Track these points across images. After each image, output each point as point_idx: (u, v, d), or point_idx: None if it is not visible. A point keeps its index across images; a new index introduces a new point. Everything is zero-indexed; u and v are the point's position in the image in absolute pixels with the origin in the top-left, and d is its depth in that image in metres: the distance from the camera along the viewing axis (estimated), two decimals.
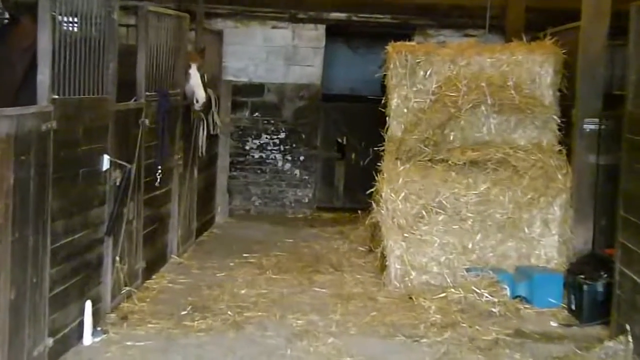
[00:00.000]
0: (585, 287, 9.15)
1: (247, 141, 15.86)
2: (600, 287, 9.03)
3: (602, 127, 10.02)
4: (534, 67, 11.00)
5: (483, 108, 10.88)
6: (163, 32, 10.54)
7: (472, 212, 10.39)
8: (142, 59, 9.65)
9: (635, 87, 8.49)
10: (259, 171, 15.94)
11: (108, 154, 8.11)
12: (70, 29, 7.41)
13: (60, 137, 6.88)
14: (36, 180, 6.45)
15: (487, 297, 9.80)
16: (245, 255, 11.80)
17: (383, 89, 12.75)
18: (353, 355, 7.82)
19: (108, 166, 8.11)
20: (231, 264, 11.26)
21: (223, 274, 10.68)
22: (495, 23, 15.02)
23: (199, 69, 11.74)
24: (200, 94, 11.58)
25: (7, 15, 8.07)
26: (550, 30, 12.16)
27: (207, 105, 11.68)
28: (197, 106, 11.68)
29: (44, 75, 6.75)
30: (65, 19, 7.25)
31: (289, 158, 15.97)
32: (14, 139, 6.02)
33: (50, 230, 6.80)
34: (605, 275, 8.96)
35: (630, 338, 8.03)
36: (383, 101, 11.59)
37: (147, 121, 9.36)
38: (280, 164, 15.94)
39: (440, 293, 9.93)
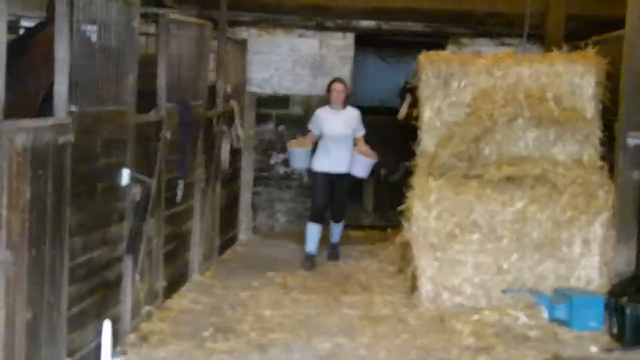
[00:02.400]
0: (628, 309, 9.10)
1: (271, 155, 15.85)
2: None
3: None
4: (575, 78, 10.99)
5: (520, 121, 10.87)
6: (185, 41, 10.60)
7: (508, 231, 10.38)
8: (162, 68, 9.68)
9: None
10: (284, 187, 15.96)
11: (128, 168, 8.16)
12: (89, 37, 7.48)
13: (78, 151, 6.93)
14: (53, 196, 6.50)
15: (523, 319, 9.79)
16: (269, 274, 11.85)
17: (402, 95, 13.03)
18: None
19: (128, 181, 8.15)
20: (255, 283, 11.31)
21: (246, 294, 10.72)
22: (533, 32, 14.92)
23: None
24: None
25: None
26: (593, 39, 12.16)
27: (230, 118, 11.73)
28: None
29: (61, 86, 6.79)
30: (83, 27, 7.33)
31: None
32: (30, 153, 6.07)
33: (68, 247, 6.83)
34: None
35: None
36: (415, 114, 11.62)
37: (168, 134, 9.43)
38: (306, 179, 15.84)
39: (474, 315, 9.92)
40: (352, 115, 12.02)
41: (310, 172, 11.78)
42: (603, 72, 11.00)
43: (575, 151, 10.91)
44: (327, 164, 11.68)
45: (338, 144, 11.68)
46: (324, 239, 14.80)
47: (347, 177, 12.04)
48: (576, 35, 13.56)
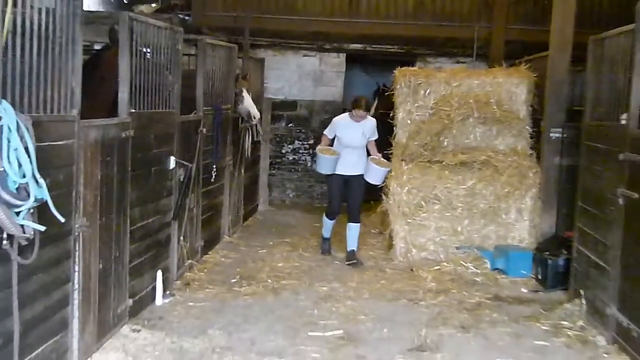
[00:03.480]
0: (549, 261, 9.24)
1: (283, 146, 15.90)
2: (561, 261, 9.09)
3: (565, 135, 10.04)
4: (511, 87, 11.05)
5: (471, 120, 10.94)
6: (217, 59, 10.64)
7: (461, 203, 10.47)
8: (200, 81, 9.75)
9: (592, 104, 8.55)
10: (292, 170, 16.02)
11: (174, 156, 8.25)
12: (145, 57, 7.54)
13: (136, 143, 7.03)
14: (118, 177, 6.62)
15: (472, 269, 9.95)
16: (282, 236, 11.92)
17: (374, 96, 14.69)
18: (366, 314, 7.92)
19: (174, 165, 8.25)
20: (270, 243, 11.37)
21: (264, 251, 10.80)
22: (480, 52, 15.10)
23: (248, 92, 11.89)
24: (255, 113, 11.84)
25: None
26: (525, 58, 12.19)
27: (247, 113, 11.69)
28: (254, 121, 11.98)
29: (123, 94, 6.88)
30: (140, 49, 7.39)
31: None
32: (100, 144, 6.18)
33: (129, 216, 6.97)
34: (565, 253, 9.03)
35: (583, 301, 8.10)
36: (391, 114, 11.67)
37: (204, 130, 9.46)
38: (309, 164, 15.84)
39: (435, 266, 10.10)
40: (369, 124, 10.38)
41: (327, 175, 10.46)
42: (532, 83, 11.05)
43: (511, 142, 10.98)
44: (343, 169, 10.30)
45: (353, 151, 10.32)
46: (321, 209, 14.90)
47: (361, 178, 10.40)
48: (512, 55, 13.60)
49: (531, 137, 11.02)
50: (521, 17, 15.15)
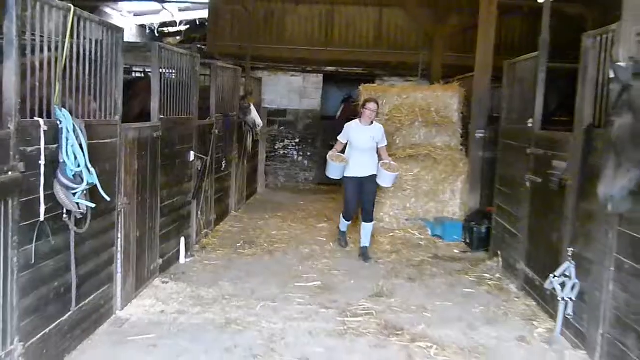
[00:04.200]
0: (475, 229, 9.26)
1: (276, 144, 15.85)
2: (483, 229, 9.13)
3: (486, 135, 10.09)
4: (447, 99, 11.02)
5: (417, 124, 10.93)
6: (226, 78, 10.58)
7: (409, 186, 10.47)
8: (213, 94, 9.70)
9: (506, 112, 8.59)
10: (283, 162, 15.95)
11: (193, 151, 8.21)
12: (170, 77, 7.52)
13: (164, 141, 7.01)
14: (150, 166, 6.59)
15: (417, 235, 9.99)
16: (275, 211, 11.84)
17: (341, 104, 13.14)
18: (338, 269, 7.96)
19: (193, 158, 8.21)
20: (267, 216, 11.30)
21: (262, 222, 10.74)
22: (424, 73, 15.10)
23: (254, 105, 11.90)
24: (259, 122, 11.92)
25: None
26: (457, 78, 12.23)
27: (252, 122, 11.73)
28: (258, 129, 12.03)
29: (155, 104, 6.86)
30: (167, 71, 7.37)
31: (301, 154, 16.00)
32: (137, 142, 6.16)
33: (159, 196, 6.94)
34: (487, 223, 9.06)
35: (500, 259, 8.16)
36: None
37: (216, 131, 9.40)
38: (295, 157, 15.94)
39: (390, 233, 10.10)
40: (377, 129, 8.82)
41: (343, 178, 8.85)
42: (462, 96, 11.02)
43: (447, 140, 10.96)
44: (355, 171, 8.75)
45: (364, 153, 8.73)
46: (304, 191, 14.86)
47: (373, 179, 8.78)
48: (447, 75, 13.60)
49: (461, 137, 11.00)
50: (454, 47, 15.16)
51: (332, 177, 8.90)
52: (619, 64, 4.35)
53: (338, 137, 8.99)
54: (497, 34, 10.41)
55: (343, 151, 8.92)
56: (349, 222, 9.18)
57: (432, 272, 7.97)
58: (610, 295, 5.05)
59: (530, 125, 7.33)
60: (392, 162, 8.91)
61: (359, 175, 8.69)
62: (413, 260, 8.60)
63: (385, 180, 8.78)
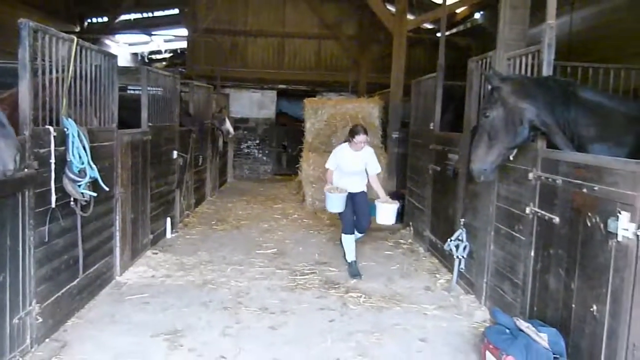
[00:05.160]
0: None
1: (241, 144, 15.58)
2: (399, 206, 9.17)
3: (400, 136, 10.16)
4: (370, 109, 10.98)
5: (348, 127, 10.90)
6: (201, 94, 10.39)
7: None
8: (191, 106, 9.54)
9: (414, 118, 8.67)
10: (247, 158, 15.67)
11: (176, 150, 8.02)
12: (156, 93, 7.34)
13: (153, 143, 6.81)
14: (142, 163, 6.40)
15: None
16: (241, 196, 11.68)
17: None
18: (290, 239, 7.88)
19: (176, 156, 8.01)
20: (234, 200, 11.11)
21: (231, 205, 10.56)
22: (353, 89, 15.17)
23: (228, 117, 11.73)
24: (231, 131, 11.73)
25: None
26: (377, 92, 12.27)
27: (227, 130, 11.61)
28: (231, 136, 11.82)
29: (144, 115, 6.69)
30: (153, 89, 7.19)
31: (261, 152, 15.76)
32: (130, 144, 5.99)
33: (149, 186, 6.75)
34: (402, 201, 9.12)
35: (411, 229, 8.26)
36: (301, 121, 11.55)
37: (194, 135, 9.14)
38: (256, 154, 15.71)
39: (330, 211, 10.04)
40: (367, 153, 6.50)
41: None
42: (382, 106, 11.04)
43: (370, 140, 10.79)
44: (347, 188, 6.43)
45: (353, 176, 6.57)
46: (263, 181, 14.67)
47: (363, 195, 6.67)
48: (371, 91, 13.65)
49: (381, 137, 10.97)
50: (375, 69, 15.13)
51: (334, 211, 6.43)
52: (491, 72, 4.47)
53: (326, 165, 6.71)
54: (406, 60, 10.50)
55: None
56: (353, 236, 6.55)
57: (361, 240, 8.00)
58: (491, 253, 5.15)
59: (431, 127, 7.41)
60: (388, 198, 6.56)
61: (350, 191, 6.48)
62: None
63: (386, 216, 6.31)
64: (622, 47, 7.73)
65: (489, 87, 4.34)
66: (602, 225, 3.25)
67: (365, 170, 6.60)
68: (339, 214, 6.49)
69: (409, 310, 5.24)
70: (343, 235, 6.59)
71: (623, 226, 3.03)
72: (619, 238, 3.06)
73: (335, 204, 6.33)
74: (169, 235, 7.70)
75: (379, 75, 14.64)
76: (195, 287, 5.62)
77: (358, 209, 6.60)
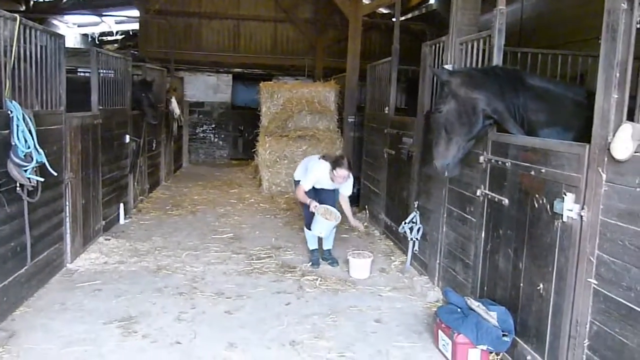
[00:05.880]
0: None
1: (196, 128, 15.34)
2: (356, 190, 9.26)
3: (355, 120, 10.19)
4: (326, 93, 10.98)
5: (303, 112, 10.85)
6: (155, 77, 10.12)
7: (299, 158, 10.21)
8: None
9: (370, 102, 8.70)
10: (202, 142, 15.42)
11: (128, 134, 7.82)
12: (108, 76, 7.13)
13: (104, 126, 6.62)
14: (92, 147, 6.22)
15: None
16: (197, 181, 11.52)
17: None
18: (246, 224, 7.83)
19: (128, 140, 7.81)
20: (190, 185, 10.94)
21: (186, 189, 10.39)
22: (309, 73, 15.09)
23: (175, 98, 11.42)
24: (177, 112, 11.34)
25: None
26: (333, 77, 12.24)
27: (172, 111, 11.39)
28: (175, 115, 11.36)
29: (94, 97, 6.50)
30: (105, 71, 6.97)
31: (217, 136, 15.57)
32: (80, 127, 5.80)
33: (101, 171, 6.57)
34: (357, 185, 9.16)
35: (367, 212, 8.34)
36: (258, 109, 11.46)
37: (147, 118, 8.95)
38: (212, 139, 15.51)
39: (286, 195, 9.97)
40: (348, 182, 5.95)
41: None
42: (338, 90, 11.05)
43: (327, 124, 10.90)
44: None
45: (327, 191, 6.02)
46: (220, 165, 14.54)
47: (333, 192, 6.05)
48: (327, 75, 13.59)
49: (338, 121, 10.99)
50: (331, 54, 15.18)
51: (317, 234, 5.87)
52: (439, 68, 4.50)
53: (301, 183, 5.92)
54: (362, 44, 10.49)
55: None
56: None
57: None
58: (444, 235, 5.25)
59: (386, 111, 7.46)
60: (357, 222, 6.23)
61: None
62: (303, 214, 8.59)
63: (359, 271, 5.71)
64: (570, 34, 7.94)
65: (439, 82, 4.34)
66: (548, 207, 3.35)
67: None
68: (305, 209, 6.01)
69: (364, 292, 5.29)
70: (306, 230, 6.13)
71: (568, 207, 3.13)
72: (564, 218, 3.17)
73: (322, 229, 5.80)
74: (122, 221, 7.52)
75: (335, 60, 14.63)
76: (150, 273, 5.52)
77: (324, 195, 6.05)
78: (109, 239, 6.62)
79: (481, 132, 4.27)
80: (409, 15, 15.32)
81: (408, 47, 8.82)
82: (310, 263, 6.08)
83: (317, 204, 5.83)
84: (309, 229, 6.01)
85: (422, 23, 14.87)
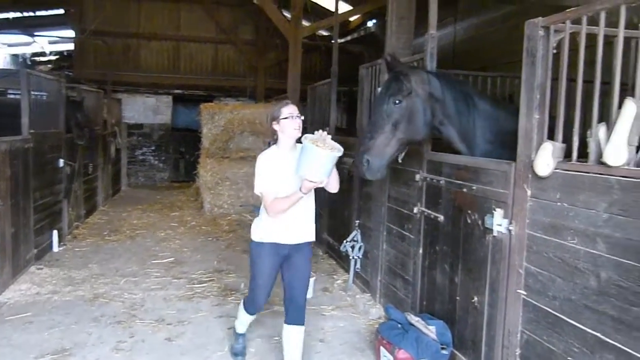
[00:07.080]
0: None
1: (135, 151, 14.99)
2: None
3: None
4: (268, 113, 11.07)
5: (245, 133, 10.89)
6: (91, 99, 9.86)
7: (241, 180, 10.30)
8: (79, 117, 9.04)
9: (310, 123, 8.76)
10: (141, 165, 15.06)
11: (62, 158, 7.55)
12: (40, 98, 6.89)
13: (35, 151, 6.38)
14: (23, 172, 5.98)
15: (249, 217, 9.77)
16: (136, 204, 11.23)
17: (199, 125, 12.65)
18: (187, 247, 7.71)
19: (62, 165, 7.55)
20: (129, 209, 10.65)
21: (125, 214, 10.12)
22: (251, 95, 15.14)
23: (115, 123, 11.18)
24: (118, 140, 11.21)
25: None
26: (274, 97, 12.35)
27: (114, 134, 11.13)
28: (118, 145, 11.20)
29: (25, 120, 6.27)
30: (37, 94, 6.74)
31: (157, 158, 15.26)
32: (9, 152, 5.58)
33: (32, 197, 6.32)
34: None
35: None
36: (199, 130, 11.35)
37: (82, 142, 8.67)
38: (152, 161, 15.18)
39: (228, 217, 9.90)
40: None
41: (251, 244, 3.91)
42: None
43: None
44: (280, 235, 3.78)
45: (299, 203, 3.75)
46: (160, 188, 14.22)
47: (308, 249, 3.89)
48: (268, 96, 13.76)
49: None
50: (272, 75, 15.30)
51: (316, 180, 3.50)
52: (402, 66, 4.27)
53: (260, 190, 3.77)
54: (302, 65, 10.67)
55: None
56: (253, 317, 4.15)
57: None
58: (384, 252, 5.34)
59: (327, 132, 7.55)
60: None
61: (285, 241, 3.80)
62: (246, 236, 8.46)
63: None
64: (497, 57, 8.34)
65: (392, 75, 4.10)
66: (480, 222, 3.49)
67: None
68: (252, 277, 3.88)
69: (308, 312, 5.24)
70: (241, 310, 4.14)
71: (497, 222, 3.27)
72: (495, 233, 3.30)
73: (322, 167, 3.47)
74: (55, 248, 7.22)
75: (276, 81, 14.74)
76: (85, 302, 5.33)
77: (293, 272, 3.83)
78: (42, 268, 6.34)
79: (420, 139, 4.13)
80: (348, 38, 15.68)
81: (347, 68, 8.97)
82: (233, 354, 4.23)
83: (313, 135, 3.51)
84: (244, 305, 4.09)
85: (360, 45, 15.24)
